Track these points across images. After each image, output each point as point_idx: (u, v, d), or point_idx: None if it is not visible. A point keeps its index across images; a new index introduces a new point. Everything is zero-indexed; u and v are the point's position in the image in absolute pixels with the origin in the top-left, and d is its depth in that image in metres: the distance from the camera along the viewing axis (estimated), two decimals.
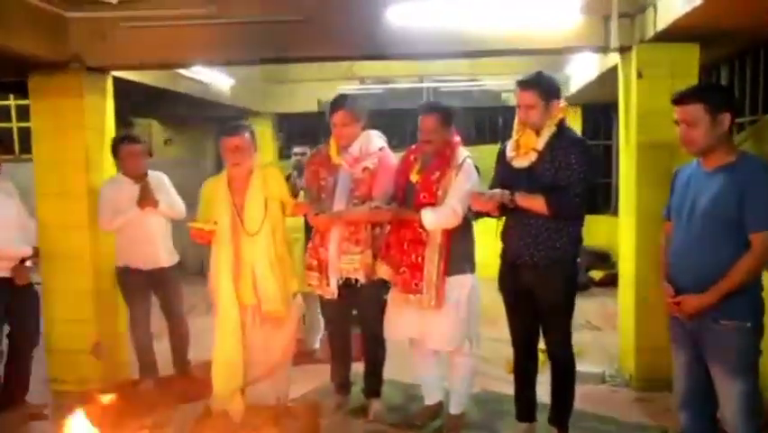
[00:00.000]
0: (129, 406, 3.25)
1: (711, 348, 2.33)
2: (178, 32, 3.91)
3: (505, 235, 3.04)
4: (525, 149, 2.89)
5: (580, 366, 3.30)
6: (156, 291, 4.04)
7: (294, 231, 3.98)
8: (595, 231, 7.91)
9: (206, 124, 8.71)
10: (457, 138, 3.26)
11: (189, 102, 6.40)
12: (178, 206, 3.99)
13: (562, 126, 2.90)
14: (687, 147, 2.38)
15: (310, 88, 8.09)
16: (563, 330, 2.96)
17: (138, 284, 3.91)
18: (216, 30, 3.91)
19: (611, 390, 4.01)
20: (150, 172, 3.93)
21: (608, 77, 4.57)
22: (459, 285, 3.15)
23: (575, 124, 8.26)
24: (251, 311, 3.19)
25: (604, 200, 8.49)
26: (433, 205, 3.09)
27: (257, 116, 8.18)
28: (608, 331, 5.17)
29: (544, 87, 2.85)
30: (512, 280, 3.01)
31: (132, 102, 5.88)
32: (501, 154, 3.08)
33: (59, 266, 4.09)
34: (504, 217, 3.02)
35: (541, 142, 2.86)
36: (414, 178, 3.22)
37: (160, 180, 4.02)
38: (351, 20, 3.86)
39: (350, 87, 8.28)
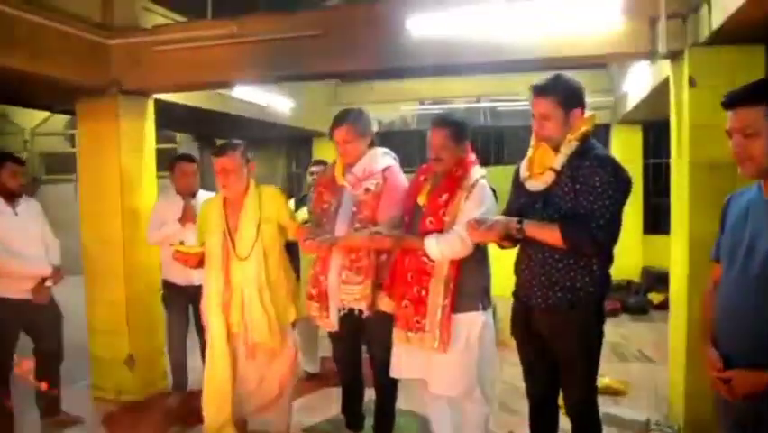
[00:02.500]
0: (146, 419, 3.06)
1: None
2: (205, 53, 3.56)
3: (516, 270, 2.35)
4: (540, 168, 2.19)
5: (622, 409, 2.47)
6: (193, 307, 3.72)
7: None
8: (655, 251, 6.95)
9: (279, 143, 8.49)
10: (472, 156, 2.62)
11: (255, 124, 6.21)
12: None
13: (586, 141, 2.17)
14: (743, 166, 1.55)
15: (370, 110, 7.60)
16: (585, 388, 2.21)
17: (175, 299, 3.67)
18: (239, 49, 3.51)
19: None
20: (202, 192, 3.71)
21: (663, 89, 3.67)
22: (468, 324, 2.49)
23: (634, 143, 7.32)
24: (240, 340, 2.78)
25: (666, 220, 7.41)
26: (440, 231, 2.48)
27: (323, 137, 7.89)
28: (663, 364, 4.19)
29: (562, 92, 2.14)
30: (524, 323, 2.31)
31: (199, 124, 5.71)
32: (516, 174, 2.39)
33: (98, 280, 3.92)
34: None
35: (559, 161, 2.15)
36: (421, 200, 2.61)
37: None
38: (370, 33, 3.29)
39: (410, 108, 7.84)
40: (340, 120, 2.78)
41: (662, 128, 7.18)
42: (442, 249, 2.42)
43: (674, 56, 3.03)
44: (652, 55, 3.01)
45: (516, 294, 2.36)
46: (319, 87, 7.52)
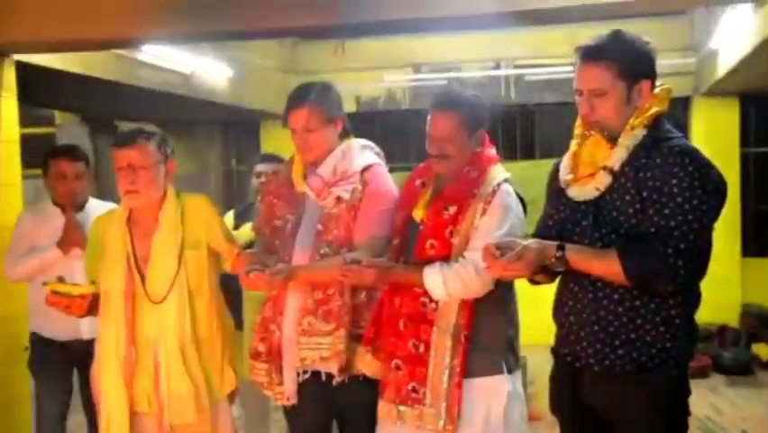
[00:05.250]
0: None
1: None
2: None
3: (556, 315, 2.37)
4: (590, 168, 2.22)
5: None
6: (78, 373, 3.75)
7: None
8: (760, 282, 7.04)
9: (210, 129, 8.53)
10: (490, 151, 2.68)
11: (175, 102, 6.21)
12: None
13: (657, 128, 2.20)
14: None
15: (345, 82, 7.74)
16: None
17: (50, 362, 3.67)
18: None
19: None
20: (94, 202, 3.72)
21: None
22: (488, 393, 2.53)
23: (728, 125, 7.46)
24: (151, 424, 2.73)
25: None
26: (445, 259, 2.52)
27: (273, 120, 7.95)
28: None
29: (623, 55, 2.16)
30: (570, 393, 2.33)
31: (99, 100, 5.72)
32: (553, 177, 2.44)
33: None
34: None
35: (618, 157, 2.18)
36: (418, 215, 2.65)
37: None
38: None
39: (400, 78, 7.92)
40: (298, 99, 2.79)
41: None
42: (449, 285, 2.45)
43: None
44: None
45: (556, 351, 2.39)
46: (269, 48, 7.58)
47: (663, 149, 2.13)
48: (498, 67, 7.58)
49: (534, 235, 2.35)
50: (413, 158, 7.00)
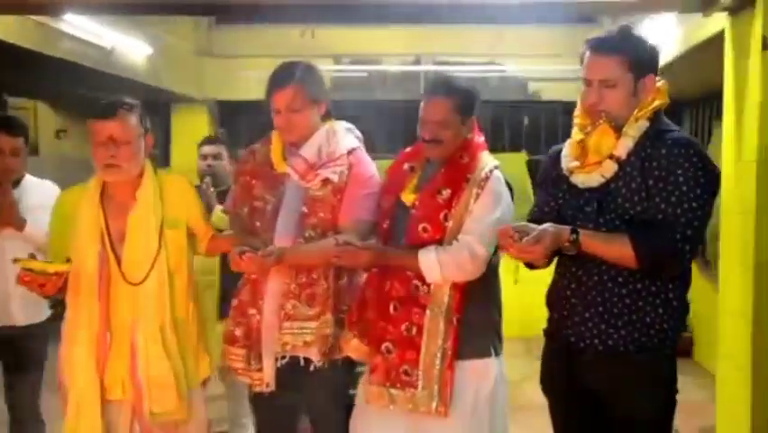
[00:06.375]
0: None
1: None
2: None
3: (554, 299, 2.43)
4: (597, 156, 2.29)
5: None
6: (3, 366, 3.64)
7: (205, 272, 3.56)
8: None
9: None
10: (479, 138, 2.72)
11: (89, 77, 5.92)
12: None
13: (657, 120, 2.30)
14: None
15: (265, 67, 7.52)
16: None
17: None
18: None
19: None
20: (30, 179, 3.61)
21: (703, 53, 3.95)
22: (477, 375, 2.58)
23: None
24: (126, 412, 2.62)
25: None
26: (438, 242, 2.54)
27: (190, 104, 7.77)
28: None
29: (633, 50, 2.26)
30: (565, 376, 2.40)
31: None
32: (551, 165, 2.50)
33: None
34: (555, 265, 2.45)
35: (625, 146, 2.26)
36: (408, 198, 2.65)
37: (49, 193, 3.57)
38: None
39: (320, 69, 7.85)
40: (282, 79, 2.74)
41: (685, 113, 7.75)
42: (445, 268, 2.47)
43: (739, 7, 3.29)
44: (706, 5, 3.25)
45: (550, 333, 2.46)
46: (185, 29, 7.37)
47: (667, 140, 2.22)
48: (418, 62, 7.66)
49: (530, 221, 2.38)
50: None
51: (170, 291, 2.62)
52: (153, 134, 2.74)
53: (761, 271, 3.26)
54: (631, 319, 2.23)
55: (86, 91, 6.80)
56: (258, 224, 2.77)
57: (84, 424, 2.57)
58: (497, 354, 2.61)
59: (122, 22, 5.76)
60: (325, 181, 2.72)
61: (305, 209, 2.72)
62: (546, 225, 2.19)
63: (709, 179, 2.19)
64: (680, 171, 2.16)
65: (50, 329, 3.70)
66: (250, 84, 7.70)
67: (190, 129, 7.59)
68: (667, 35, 4.80)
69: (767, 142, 3.23)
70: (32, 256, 2.60)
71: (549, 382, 2.49)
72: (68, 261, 2.57)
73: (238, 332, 2.76)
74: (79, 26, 5.19)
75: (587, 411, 2.37)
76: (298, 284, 2.69)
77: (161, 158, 7.89)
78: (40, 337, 3.64)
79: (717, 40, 3.67)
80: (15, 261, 2.56)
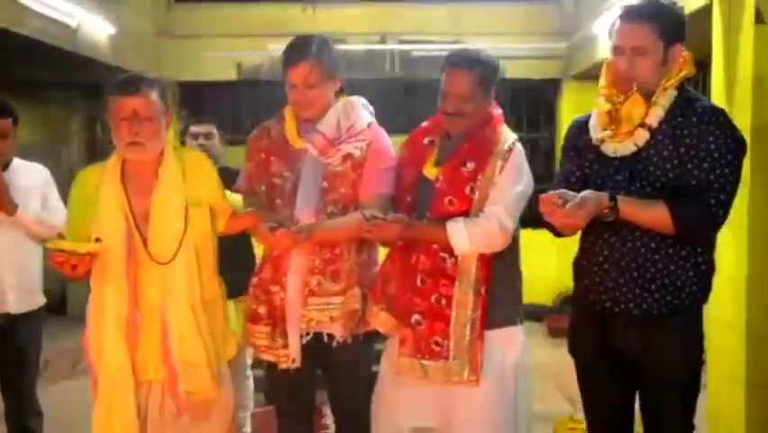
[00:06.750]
0: None
1: None
2: None
3: (582, 265, 2.50)
4: (629, 125, 2.33)
5: None
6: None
7: None
8: None
9: (72, 94, 7.98)
10: (498, 111, 2.74)
11: (47, 57, 5.74)
12: (57, 219, 3.44)
13: (684, 89, 2.38)
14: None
15: (227, 48, 7.67)
16: (685, 425, 2.42)
17: None
18: None
19: None
20: (20, 162, 3.58)
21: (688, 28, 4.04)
22: (504, 343, 2.63)
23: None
24: (156, 392, 2.59)
25: None
26: (464, 214, 2.56)
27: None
28: None
29: (664, 18, 2.32)
30: (598, 340, 2.46)
31: None
32: (576, 135, 2.55)
33: None
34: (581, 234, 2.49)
35: (656, 115, 2.32)
36: (430, 172, 2.66)
37: (38, 176, 3.63)
38: None
39: (281, 48, 7.77)
40: (299, 53, 2.71)
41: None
42: (473, 239, 2.50)
43: None
44: None
45: (582, 299, 2.51)
46: (144, 8, 7.20)
47: (697, 108, 2.30)
48: (383, 41, 7.62)
49: (555, 189, 2.42)
50: None
51: (199, 271, 2.58)
52: (169, 112, 2.69)
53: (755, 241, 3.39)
54: (664, 283, 2.30)
55: (47, 74, 6.62)
56: (278, 201, 2.74)
57: (117, 406, 2.52)
58: (521, 321, 2.67)
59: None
60: (346, 156, 2.71)
61: (325, 185, 2.71)
62: (586, 192, 2.24)
63: (739, 146, 2.27)
64: (711, 139, 2.23)
65: (44, 318, 3.68)
66: (212, 64, 7.68)
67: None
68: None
69: (760, 116, 3.33)
70: (61, 236, 2.53)
71: (580, 349, 2.55)
72: (98, 240, 2.51)
73: (261, 310, 2.74)
74: (46, 2, 5.05)
75: (617, 374, 2.45)
76: (323, 260, 2.69)
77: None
78: (34, 326, 3.58)
79: (704, 13, 3.76)
80: (44, 241, 2.49)
